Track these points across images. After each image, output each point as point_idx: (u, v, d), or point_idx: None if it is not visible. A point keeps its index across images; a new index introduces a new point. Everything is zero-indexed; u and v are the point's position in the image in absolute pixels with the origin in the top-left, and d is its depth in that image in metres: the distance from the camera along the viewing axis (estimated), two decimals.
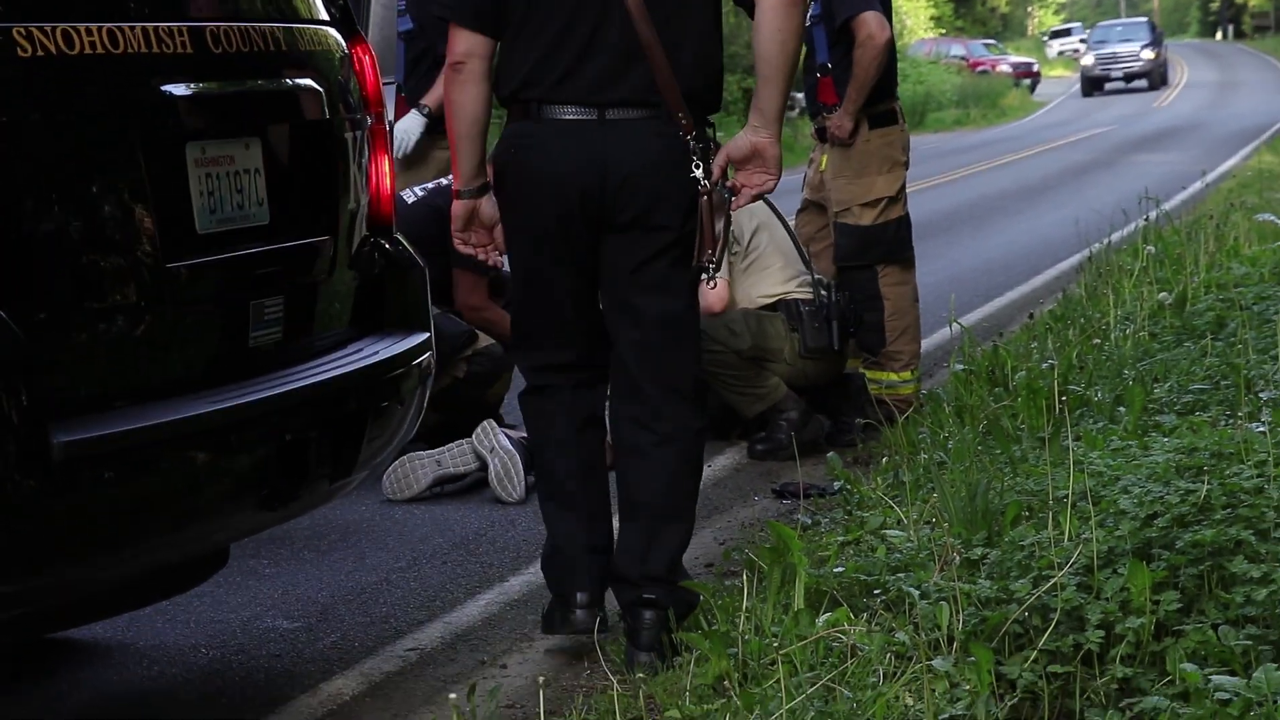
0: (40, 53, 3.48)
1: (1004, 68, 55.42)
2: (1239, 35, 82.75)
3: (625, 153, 4.44)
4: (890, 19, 7.24)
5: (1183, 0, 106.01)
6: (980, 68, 53.89)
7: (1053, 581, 4.01)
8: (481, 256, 4.76)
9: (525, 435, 6.57)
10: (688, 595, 4.64)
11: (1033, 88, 54.10)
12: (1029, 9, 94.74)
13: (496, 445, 6.50)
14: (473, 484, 6.58)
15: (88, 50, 3.59)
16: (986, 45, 60.23)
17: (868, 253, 7.26)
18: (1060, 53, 75.35)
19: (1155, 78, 50.64)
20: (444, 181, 7.45)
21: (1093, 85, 50.91)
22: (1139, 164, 22.93)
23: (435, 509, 6.36)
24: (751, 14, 4.45)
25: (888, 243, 7.28)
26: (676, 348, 4.60)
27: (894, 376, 7.30)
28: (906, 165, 7.43)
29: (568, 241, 4.53)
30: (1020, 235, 15.21)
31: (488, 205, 4.64)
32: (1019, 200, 18.71)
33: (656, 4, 4.39)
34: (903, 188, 7.37)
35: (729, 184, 4.52)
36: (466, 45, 4.47)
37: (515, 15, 4.45)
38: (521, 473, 6.40)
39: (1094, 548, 4.11)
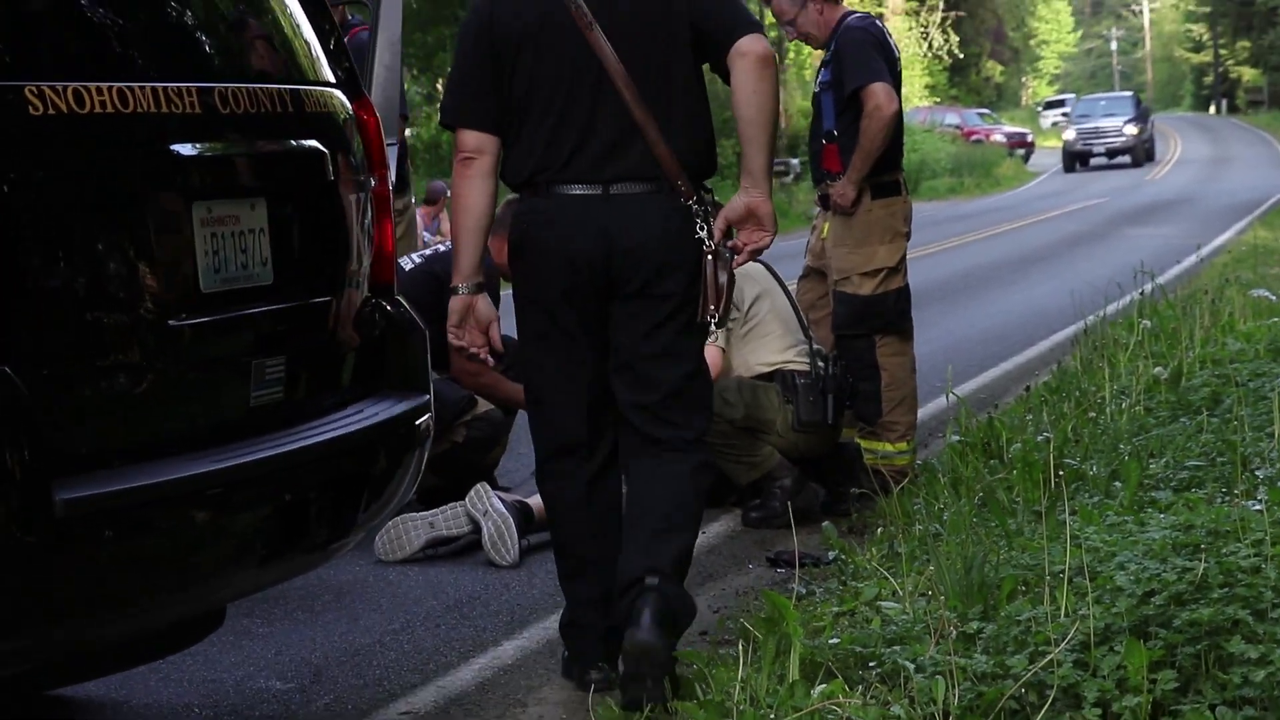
0: (51, 111, 3.51)
1: (998, 137, 55.67)
2: (1232, 110, 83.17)
3: (630, 224, 4.69)
4: (899, 91, 7.28)
5: (1176, 74, 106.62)
6: (975, 137, 54.13)
7: (1049, 658, 4.01)
8: (474, 352, 4.93)
9: (519, 499, 6.61)
10: (689, 601, 4.78)
11: (1026, 158, 54.37)
12: (1023, 79, 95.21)
13: (490, 508, 6.49)
14: (465, 546, 6.56)
15: (98, 109, 3.61)
16: (981, 114, 60.52)
17: (866, 322, 7.27)
18: (1054, 123, 75.65)
19: (1139, 154, 49.49)
20: (441, 248, 7.47)
21: (1074, 160, 49.62)
22: (1132, 237, 23.02)
23: (428, 571, 6.34)
24: (728, 80, 4.71)
25: (887, 313, 7.28)
26: (687, 410, 4.83)
27: (889, 447, 7.30)
28: (908, 236, 7.44)
29: (578, 312, 4.74)
30: (1015, 305, 15.25)
31: (483, 303, 4.89)
32: (1013, 270, 18.77)
33: (644, 83, 4.67)
34: (903, 258, 7.38)
35: (730, 244, 4.73)
36: (475, 142, 4.75)
37: (517, 111, 4.72)
38: (515, 536, 6.39)
39: (1091, 624, 4.10)
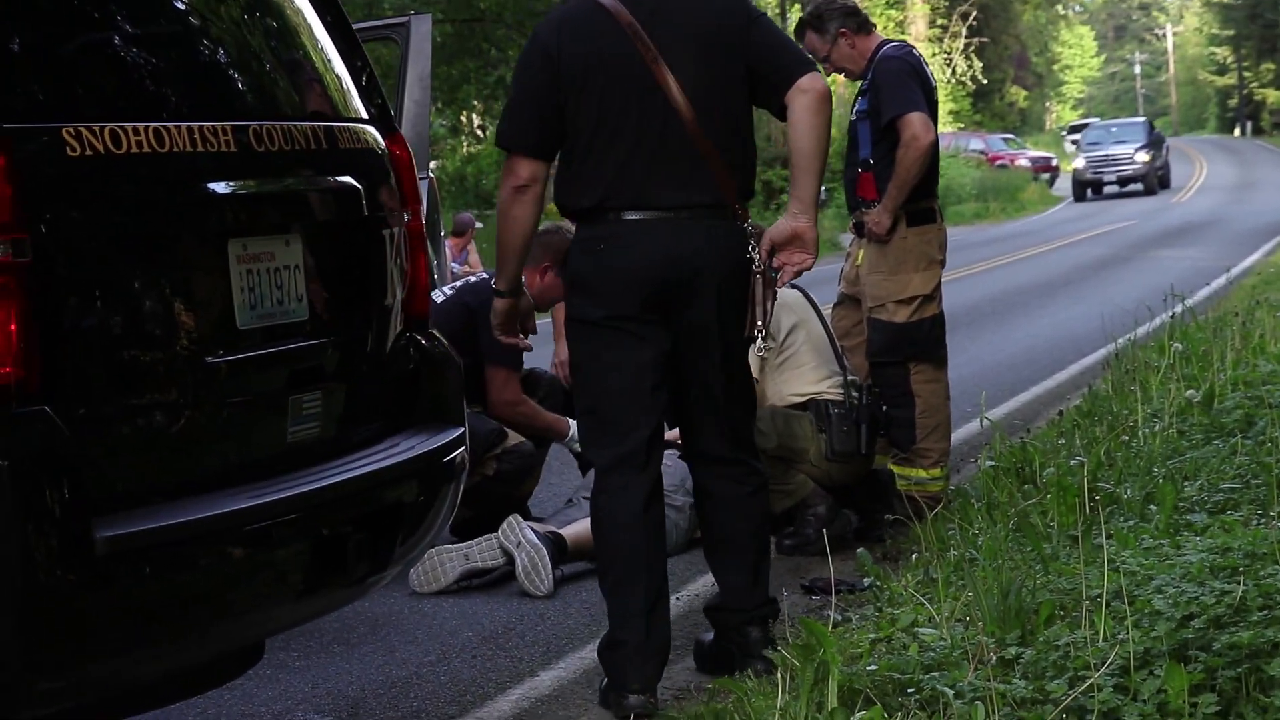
0: (89, 152, 3.54)
1: (1023, 162, 55.60)
2: (1257, 132, 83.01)
3: (697, 247, 5.01)
4: (936, 121, 7.28)
5: (1201, 96, 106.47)
6: (999, 162, 54.09)
7: (1089, 682, 4.00)
8: (524, 342, 5.49)
9: (553, 530, 6.62)
10: (776, 605, 5.35)
11: (1051, 182, 54.23)
12: (1047, 104, 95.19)
13: (523, 540, 6.50)
14: (499, 578, 6.57)
15: (134, 149, 3.64)
16: (1005, 140, 60.48)
17: (900, 349, 7.26)
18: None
19: (1151, 181, 46.72)
20: (473, 279, 7.50)
21: (1084, 189, 47.29)
22: (1160, 259, 22.98)
23: (463, 602, 6.35)
24: (782, 116, 5.07)
25: (921, 340, 7.28)
26: (746, 414, 5.31)
27: (923, 474, 7.29)
28: (943, 264, 7.43)
29: (643, 331, 5.02)
30: (1043, 329, 15.22)
31: (525, 300, 5.33)
32: (1041, 295, 18.74)
33: (706, 118, 4.99)
34: (938, 286, 7.37)
35: (774, 263, 5.07)
36: (530, 171, 5.01)
37: (583, 140, 4.99)
38: (549, 566, 6.40)
39: (1130, 648, 4.09)
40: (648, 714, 4.91)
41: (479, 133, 47.54)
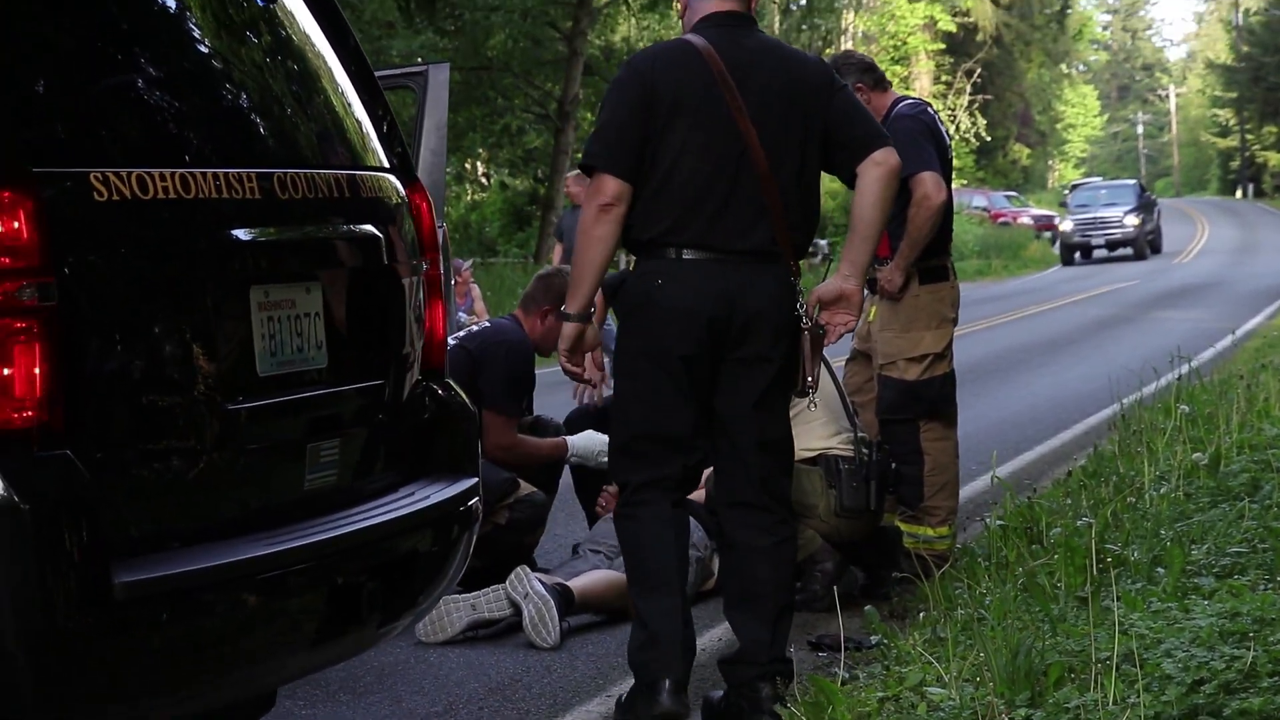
0: (116, 197, 3.56)
1: (1025, 220, 55.77)
2: (1259, 194, 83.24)
3: (751, 292, 5.18)
4: (950, 179, 7.30)
5: (1203, 158, 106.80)
6: (1002, 219, 54.25)
7: None
8: (587, 377, 5.57)
9: (560, 581, 6.62)
10: (790, 665, 5.33)
11: (1054, 240, 54.34)
12: (1050, 162, 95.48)
13: (531, 591, 6.49)
14: (506, 628, 6.57)
15: (160, 195, 3.66)
16: (1008, 197, 60.69)
17: (911, 407, 7.27)
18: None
19: (1141, 246, 44.28)
20: (475, 328, 7.54)
21: (1072, 253, 44.88)
22: (1162, 320, 23.02)
23: (470, 653, 6.34)
24: (850, 183, 5.30)
25: (932, 398, 7.29)
26: (782, 465, 5.38)
27: (930, 531, 7.28)
28: (955, 321, 7.45)
29: (693, 367, 5.19)
30: (1046, 389, 15.23)
31: (593, 331, 5.37)
32: (1044, 353, 18.76)
33: (778, 172, 5.20)
34: (949, 344, 7.38)
35: (819, 320, 5.26)
36: (616, 190, 5.15)
37: (659, 172, 5.15)
38: (556, 618, 6.39)
39: (1141, 712, 4.09)
40: (682, 713, 5.10)
41: (483, 180, 47.70)
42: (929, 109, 7.49)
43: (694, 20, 5.34)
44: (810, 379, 5.24)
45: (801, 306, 5.22)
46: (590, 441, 7.45)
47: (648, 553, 5.23)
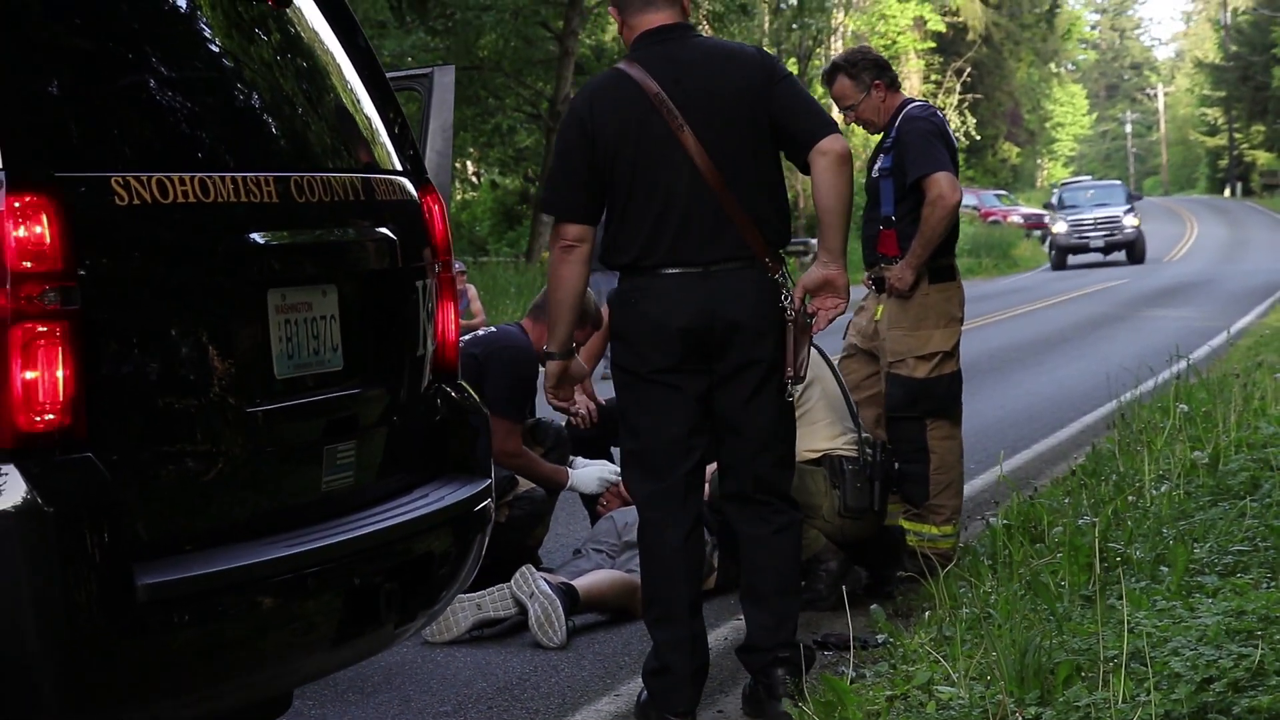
0: (136, 201, 3.58)
1: (1015, 218, 55.84)
2: (1247, 193, 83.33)
3: (729, 298, 5.29)
4: (959, 177, 7.34)
5: (1191, 156, 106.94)
6: (992, 218, 54.32)
7: None
8: (575, 409, 5.61)
9: (565, 580, 6.64)
10: (806, 652, 5.47)
11: (1044, 239, 54.40)
12: (1039, 161, 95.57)
13: (536, 590, 6.51)
14: (511, 627, 6.59)
15: (180, 199, 3.68)
16: (998, 196, 60.75)
17: (920, 405, 7.29)
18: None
19: (1141, 248, 41.91)
20: (480, 333, 7.55)
21: (1065, 255, 42.76)
22: (1154, 319, 23.05)
23: (477, 652, 6.36)
24: (807, 171, 5.35)
25: (939, 397, 7.31)
26: (779, 457, 5.48)
27: (935, 530, 7.31)
28: (961, 321, 7.48)
29: (682, 378, 5.31)
30: (1042, 387, 15.26)
31: (576, 364, 5.54)
32: (1037, 352, 18.79)
33: (732, 175, 5.28)
34: (958, 343, 7.42)
35: (808, 309, 5.34)
36: (577, 233, 5.32)
37: (617, 204, 5.31)
38: (562, 617, 6.42)
39: (1152, 710, 4.12)
40: None
41: (474, 179, 47.70)
42: (938, 112, 7.54)
43: (632, 38, 5.46)
44: (794, 369, 5.33)
45: (787, 298, 5.32)
46: (588, 477, 7.49)
47: (659, 584, 5.38)
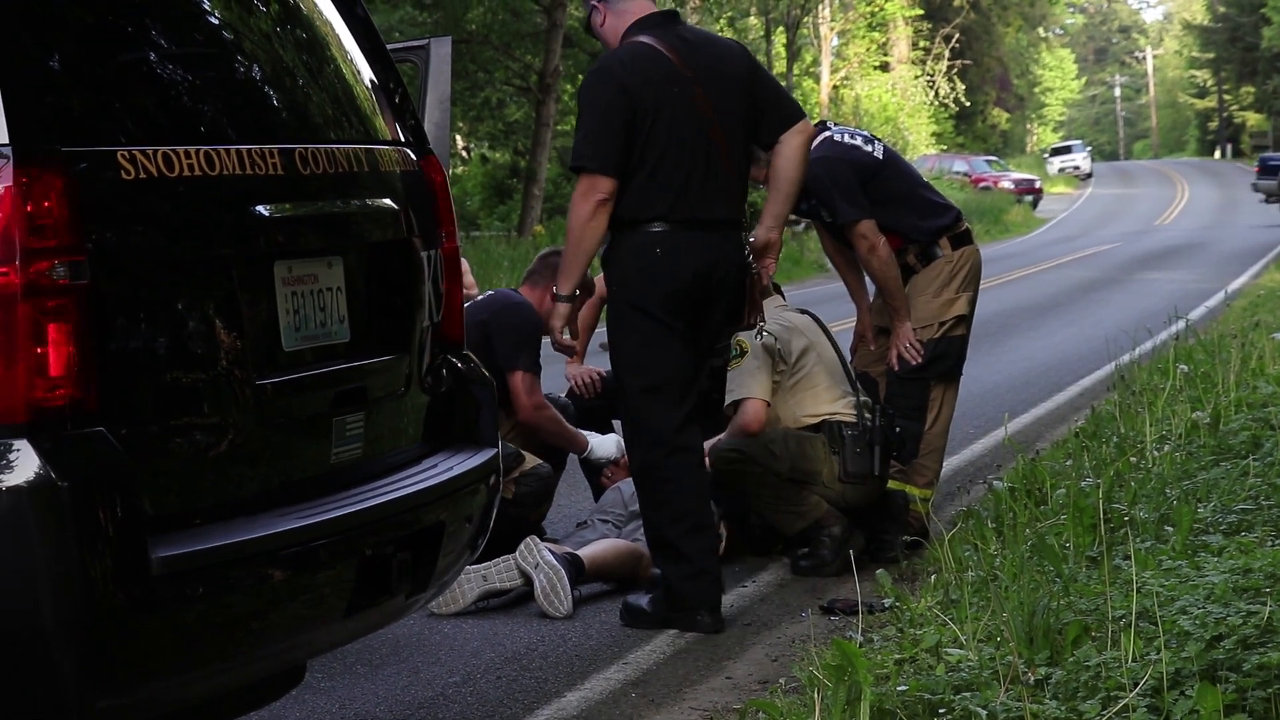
0: (143, 175, 3.57)
1: (1006, 184, 55.78)
2: (1237, 154, 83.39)
3: (726, 255, 6.14)
4: (900, 167, 7.50)
5: (1181, 119, 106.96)
6: (983, 184, 54.26)
7: (1123, 703, 4.04)
8: (571, 345, 6.37)
9: (570, 551, 6.65)
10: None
11: (1035, 204, 54.42)
12: (1029, 126, 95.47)
13: (541, 561, 6.52)
14: (517, 598, 6.59)
15: (186, 173, 3.67)
16: (989, 161, 60.67)
17: (934, 365, 7.36)
18: (1061, 169, 75.87)
19: None
20: (480, 297, 7.55)
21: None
22: (1147, 282, 23.09)
23: (484, 623, 6.37)
24: (768, 148, 6.20)
25: (952, 358, 7.41)
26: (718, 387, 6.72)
27: (915, 491, 7.35)
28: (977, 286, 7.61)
29: (684, 320, 6.08)
30: (1037, 351, 15.29)
31: (584, 308, 6.56)
32: (1032, 317, 18.82)
33: (733, 148, 6.13)
34: (973, 310, 7.53)
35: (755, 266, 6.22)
36: (610, 188, 6.00)
37: (649, 163, 6.01)
38: (568, 587, 6.42)
39: (1162, 668, 4.13)
40: (715, 631, 6.08)
41: (464, 154, 47.60)
42: (836, 138, 7.40)
43: (621, 28, 6.12)
44: (755, 315, 6.21)
45: (750, 255, 6.14)
46: (610, 441, 7.51)
47: (691, 497, 6.09)
